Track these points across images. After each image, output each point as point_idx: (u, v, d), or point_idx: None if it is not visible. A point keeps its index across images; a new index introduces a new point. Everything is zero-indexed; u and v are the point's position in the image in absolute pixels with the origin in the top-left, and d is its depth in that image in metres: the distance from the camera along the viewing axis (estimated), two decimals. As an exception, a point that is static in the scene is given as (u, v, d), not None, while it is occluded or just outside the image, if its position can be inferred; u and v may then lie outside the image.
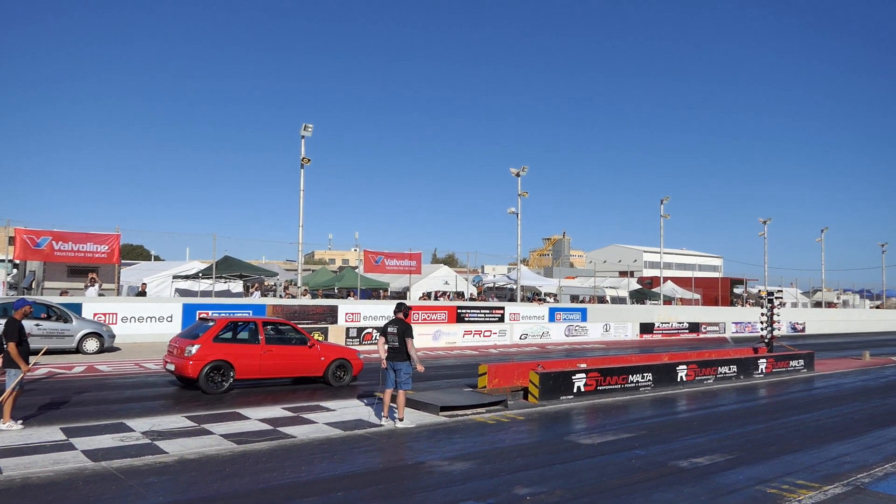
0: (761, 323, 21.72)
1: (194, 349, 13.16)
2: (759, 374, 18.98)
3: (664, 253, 46.92)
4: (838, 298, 68.32)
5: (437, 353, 24.53)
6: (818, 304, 59.67)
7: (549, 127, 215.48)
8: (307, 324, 24.77)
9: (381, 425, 10.72)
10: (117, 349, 20.84)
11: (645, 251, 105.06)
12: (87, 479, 7.32)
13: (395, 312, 10.98)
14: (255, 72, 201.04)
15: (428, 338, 26.59)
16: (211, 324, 13.83)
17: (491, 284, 46.06)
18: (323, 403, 12.55)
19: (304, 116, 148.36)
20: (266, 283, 35.91)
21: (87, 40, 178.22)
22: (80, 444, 8.79)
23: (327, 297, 34.46)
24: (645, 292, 50.65)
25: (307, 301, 28.69)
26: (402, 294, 36.54)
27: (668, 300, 49.20)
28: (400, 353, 10.57)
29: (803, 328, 45.74)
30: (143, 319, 23.61)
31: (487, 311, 32.05)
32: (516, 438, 10.28)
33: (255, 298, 28.89)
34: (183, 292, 29.67)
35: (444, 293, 38.25)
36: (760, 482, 8.09)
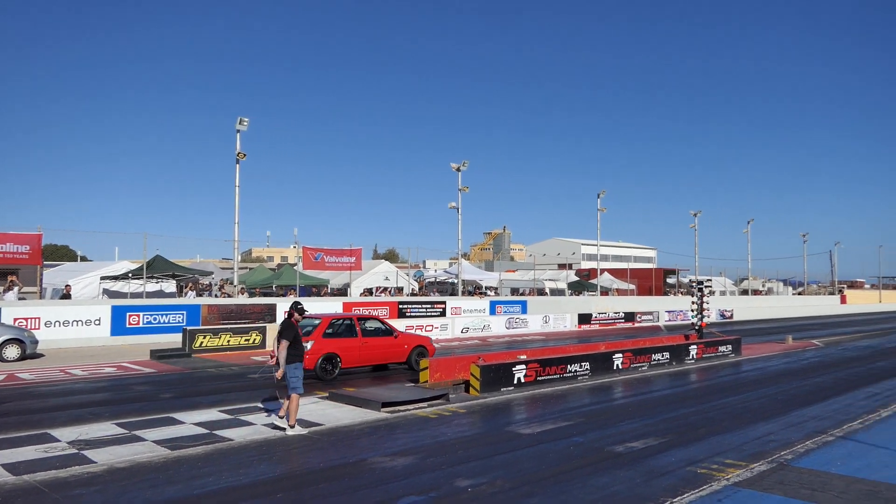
0: (692, 311, 22.52)
1: (309, 345, 14.71)
2: (690, 359, 19.69)
3: (601, 245, 48.01)
4: (764, 286, 71.45)
5: (379, 349, 24.39)
6: (745, 292, 62.30)
7: (490, 123, 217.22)
8: (244, 324, 24.23)
9: (322, 424, 10.60)
10: (41, 356, 19.87)
11: (583, 244, 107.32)
12: (7, 495, 6.96)
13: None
14: (187, 63, 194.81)
15: (369, 334, 26.44)
16: (317, 322, 15.74)
17: (432, 279, 46.14)
18: (261, 405, 12.31)
19: (240, 110, 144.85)
20: (201, 283, 34.92)
21: None
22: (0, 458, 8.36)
23: (265, 295, 33.79)
24: (583, 284, 51.74)
25: (244, 300, 28.06)
26: (342, 291, 36.19)
27: (605, 291, 50.39)
28: (288, 355, 9.90)
29: (731, 315, 47.66)
30: (69, 323, 22.57)
31: (429, 306, 32.10)
32: (458, 431, 10.34)
33: (190, 299, 28.07)
34: (112, 294, 28.52)
35: (385, 289, 38.11)
36: (692, 463, 8.40)
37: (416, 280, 43.81)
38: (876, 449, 9.22)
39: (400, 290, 38.75)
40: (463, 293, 38.45)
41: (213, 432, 9.95)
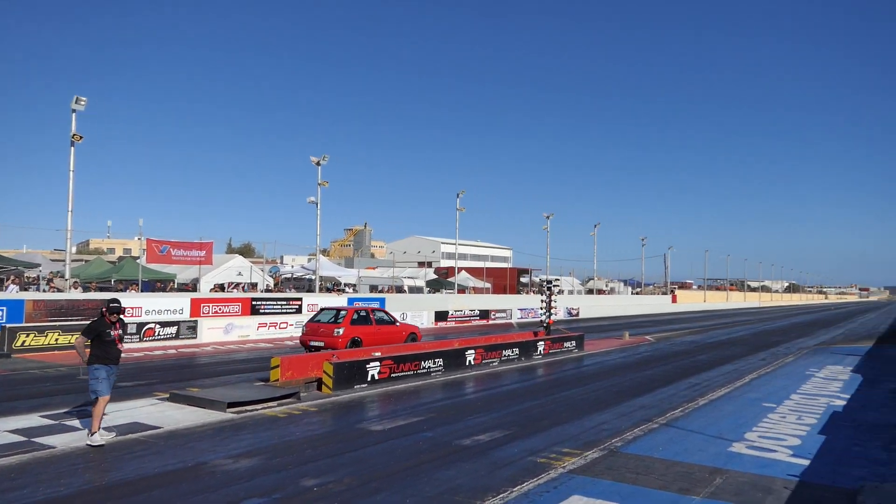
0: (541, 309, 23.69)
1: (341, 331, 18.70)
2: (538, 355, 20.71)
3: (460, 244, 49.19)
4: (607, 286, 76.80)
5: (229, 347, 23.42)
6: (591, 292, 66.59)
7: (353, 119, 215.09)
8: (77, 321, 22.23)
9: (160, 427, 9.97)
10: None
11: (443, 242, 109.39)
12: None
13: None
14: (19, 36, 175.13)
15: (219, 331, 25.28)
16: (343, 313, 19.74)
17: (289, 275, 44.95)
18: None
19: (78, 89, 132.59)
20: (26, 276, 31.56)
21: None
22: None
23: (103, 290, 31.18)
24: (441, 282, 52.73)
25: (77, 295, 25.72)
26: (191, 286, 34.26)
27: (462, 289, 51.70)
28: (90, 355, 9.19)
29: (578, 313, 50.72)
30: None
31: (284, 303, 31.20)
32: (307, 430, 10.15)
33: (12, 293, 25.29)
34: (-87, 287, 25.01)
35: (237, 285, 36.58)
36: (533, 453, 8.84)
37: (271, 276, 42.48)
38: (692, 434, 10.21)
39: (254, 286, 37.40)
40: (321, 290, 37.79)
41: (32, 440, 9.03)
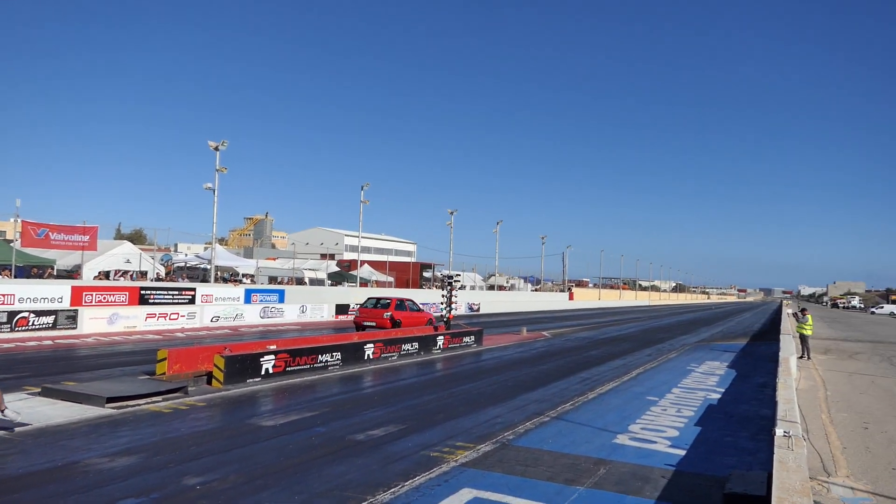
0: (442, 303, 23.88)
1: (389, 314, 25.36)
2: (437, 349, 20.87)
3: (363, 237, 48.76)
4: (508, 283, 78.51)
5: (114, 338, 22.10)
6: (492, 288, 67.86)
7: (257, 107, 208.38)
8: (-64, 308, 20.24)
9: (28, 424, 9.23)
10: None
11: (346, 235, 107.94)
12: None
13: None
14: None
15: (103, 322, 23.80)
16: (387, 301, 26.40)
17: (182, 264, 42.97)
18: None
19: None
20: None
21: None
22: None
23: (-31, 275, 28.58)
24: (343, 274, 52.06)
25: (-62, 280, 23.46)
26: (73, 273, 32.04)
27: (365, 282, 51.27)
28: None
29: (479, 308, 51.57)
30: None
31: (176, 293, 29.78)
32: (194, 426, 9.73)
33: None
34: None
35: (125, 272, 34.58)
36: (426, 447, 8.88)
37: (163, 264, 40.45)
38: (581, 427, 10.60)
39: (143, 274, 35.48)
40: (217, 280, 36.38)
41: None
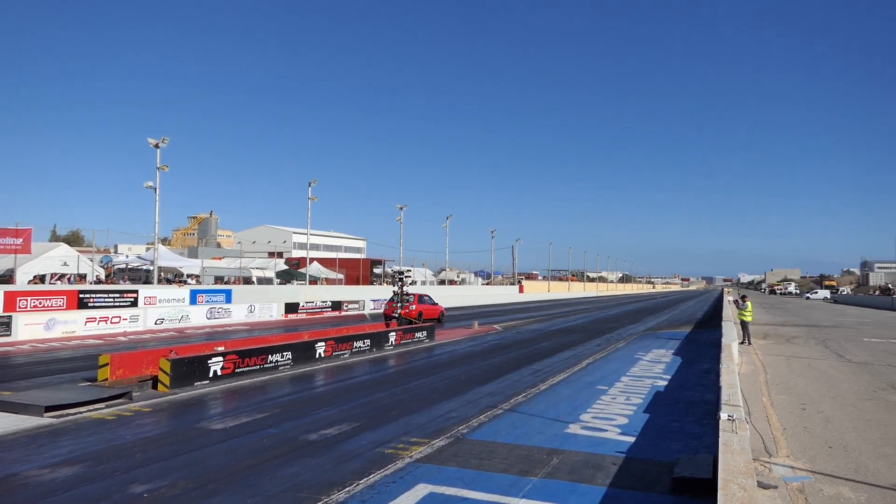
0: (393, 299, 23.80)
1: (414, 307, 30.34)
2: (389, 346, 20.80)
3: (312, 234, 48.18)
4: (458, 277, 78.92)
5: (51, 345, 21.24)
6: (443, 282, 68.01)
7: (200, 104, 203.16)
8: None
9: (-41, 437, 8.80)
10: None
11: (295, 232, 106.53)
12: None
13: None
14: None
15: (39, 328, 22.83)
16: (411, 297, 29.67)
17: (123, 266, 41.62)
18: None
19: None
20: None
21: None
22: None
23: None
24: (292, 273, 51.33)
25: None
26: (5, 277, 30.63)
27: (314, 280, 50.67)
28: None
29: (430, 303, 51.57)
30: None
31: (117, 295, 28.85)
32: (139, 432, 9.45)
33: None
34: None
35: (62, 276, 33.27)
36: (381, 444, 8.85)
37: (102, 267, 39.11)
38: (534, 418, 10.73)
39: (82, 277, 34.22)
40: (161, 281, 35.38)
41: None
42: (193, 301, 32.19)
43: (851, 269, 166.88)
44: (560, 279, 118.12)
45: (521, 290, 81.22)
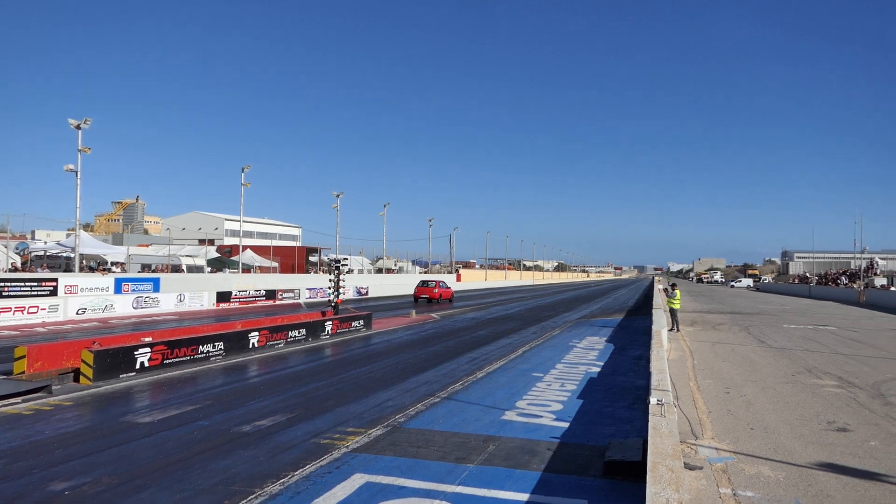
0: (330, 288, 23.54)
1: (438, 289, 41.77)
2: (325, 335, 20.59)
3: (245, 221, 47.06)
4: (396, 265, 78.70)
5: (-39, 336, 20.06)
6: (380, 271, 67.71)
7: (121, 81, 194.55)
8: None
9: None
10: None
11: (227, 219, 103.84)
12: None
13: None
14: None
15: (-53, 319, 21.53)
16: (433, 283, 42.17)
17: (41, 253, 39.64)
18: None
19: None
20: None
21: None
22: None
23: None
24: (224, 261, 50.13)
25: None
26: None
27: (248, 268, 49.62)
28: None
29: (367, 292, 51.30)
30: None
31: (35, 284, 27.46)
32: (60, 427, 9.05)
33: None
34: None
35: (-27, 263, 31.42)
36: (316, 435, 8.77)
37: (18, 253, 37.15)
38: (470, 406, 10.85)
39: (-4, 264, 32.40)
40: (83, 269, 33.87)
41: None
42: (118, 290, 31.00)
43: (773, 259, 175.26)
44: (497, 268, 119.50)
45: (458, 279, 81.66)
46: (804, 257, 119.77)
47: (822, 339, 21.66)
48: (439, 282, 43.87)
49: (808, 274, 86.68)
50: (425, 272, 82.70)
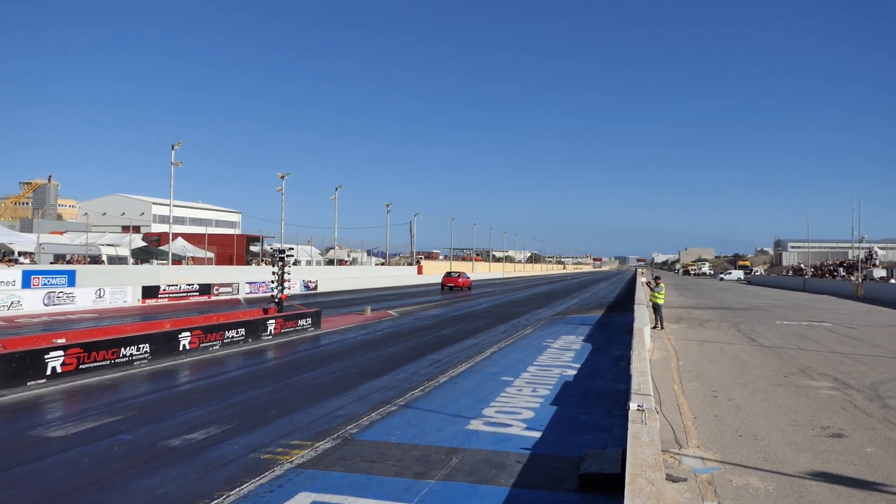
0: (273, 282, 23.32)
1: (462, 279, 58.62)
2: (268, 335, 20.41)
3: (176, 206, 46.33)
4: (349, 256, 78.31)
5: None
6: (331, 262, 67.41)
7: (30, 47, 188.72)
8: None
9: None
10: None
11: (155, 203, 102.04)
12: None
13: None
14: None
15: None
16: (456, 274, 59.78)
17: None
18: None
19: None
20: None
21: None
22: None
23: None
24: (151, 250, 49.32)
25: None
26: None
27: (179, 259, 48.89)
28: None
29: (316, 286, 51.02)
30: None
31: (-73, 278, 26.65)
32: (-44, 444, 8.79)
33: None
34: None
35: None
36: (256, 449, 8.69)
37: None
38: (431, 415, 10.87)
39: None
40: (-17, 260, 32.91)
41: None
42: (27, 284, 30.22)
43: (765, 249, 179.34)
44: (463, 259, 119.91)
45: (419, 272, 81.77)
46: (799, 247, 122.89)
47: (817, 337, 22.28)
48: (462, 272, 62.00)
49: (802, 265, 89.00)
50: (383, 264, 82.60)
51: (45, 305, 28.97)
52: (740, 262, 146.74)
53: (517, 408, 11.43)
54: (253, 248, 63.11)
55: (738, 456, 8.60)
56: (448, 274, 60.73)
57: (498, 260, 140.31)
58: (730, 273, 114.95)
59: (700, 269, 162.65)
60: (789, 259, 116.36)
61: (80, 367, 13.45)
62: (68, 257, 42.74)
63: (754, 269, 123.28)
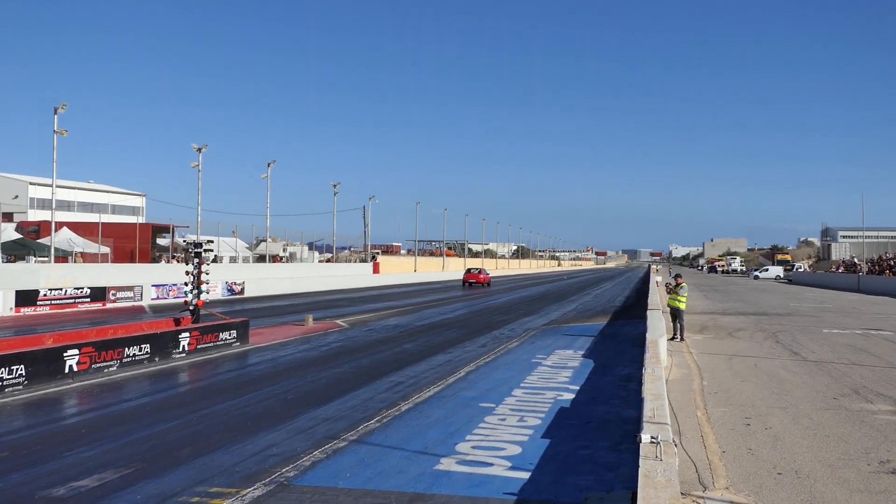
0: (187, 284, 23.13)
1: (483, 275, 77.44)
2: (180, 352, 20.26)
3: (61, 187, 45.69)
4: (286, 251, 78.01)
5: None
6: (262, 259, 66.99)
7: None
8: None
9: None
10: None
11: (33, 183, 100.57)
12: None
13: None
14: None
15: None
16: (477, 270, 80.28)
17: None
18: None
19: None
20: None
21: None
22: None
23: None
24: (28, 244, 48.76)
25: None
26: None
27: (64, 256, 48.32)
28: None
29: (243, 289, 50.77)
30: None
31: None
32: None
33: None
34: None
35: None
36: (165, 499, 8.62)
37: None
38: (391, 452, 10.86)
39: None
40: None
41: None
42: None
43: (810, 239, 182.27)
44: (432, 254, 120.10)
45: (376, 270, 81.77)
46: (851, 237, 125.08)
47: (874, 349, 22.67)
48: (482, 269, 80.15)
49: (856, 259, 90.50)
50: (329, 260, 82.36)
51: None
52: (779, 256, 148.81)
53: (500, 441, 11.46)
54: (161, 241, 62.53)
55: (777, 499, 8.71)
56: (469, 271, 79.29)
57: (476, 255, 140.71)
58: (766, 269, 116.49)
59: (729, 264, 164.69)
60: (840, 251, 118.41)
61: (-65, 395, 13.25)
62: (-81, 254, 41.94)
63: (796, 264, 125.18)
